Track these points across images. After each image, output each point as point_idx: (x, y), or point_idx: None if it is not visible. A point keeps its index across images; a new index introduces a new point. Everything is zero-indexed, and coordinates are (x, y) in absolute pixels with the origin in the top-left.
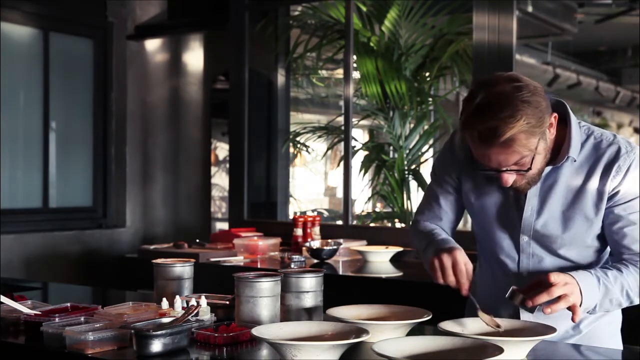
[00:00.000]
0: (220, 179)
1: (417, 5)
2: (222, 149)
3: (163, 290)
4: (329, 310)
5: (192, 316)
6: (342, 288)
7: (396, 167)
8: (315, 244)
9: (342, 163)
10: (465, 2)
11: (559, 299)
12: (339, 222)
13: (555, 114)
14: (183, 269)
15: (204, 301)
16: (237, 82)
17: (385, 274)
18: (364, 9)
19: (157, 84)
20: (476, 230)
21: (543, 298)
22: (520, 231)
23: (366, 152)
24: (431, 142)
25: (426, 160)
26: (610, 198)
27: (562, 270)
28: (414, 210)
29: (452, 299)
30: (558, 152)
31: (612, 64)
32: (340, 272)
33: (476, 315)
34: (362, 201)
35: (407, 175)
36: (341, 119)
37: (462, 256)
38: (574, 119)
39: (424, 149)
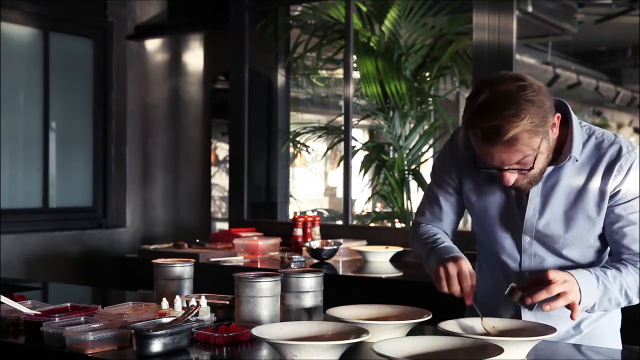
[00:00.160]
0: (220, 179)
1: (417, 5)
2: (222, 149)
3: (163, 290)
4: (329, 310)
5: (192, 316)
6: (342, 288)
7: (396, 167)
8: (315, 244)
9: (342, 163)
10: (465, 2)
11: (558, 296)
12: (339, 222)
13: (558, 114)
14: (183, 269)
15: (204, 301)
16: (237, 82)
17: (385, 274)
18: (364, 9)
19: (157, 84)
20: (477, 230)
21: (542, 295)
22: (522, 231)
23: (366, 152)
24: (431, 142)
25: (426, 160)
26: (611, 197)
27: (564, 270)
28: (414, 210)
29: (452, 299)
30: (560, 152)
31: (612, 64)
32: (340, 272)
33: (477, 315)
34: (362, 201)
35: (407, 175)
36: (341, 119)
37: (467, 265)
38: (575, 119)
39: (424, 149)
